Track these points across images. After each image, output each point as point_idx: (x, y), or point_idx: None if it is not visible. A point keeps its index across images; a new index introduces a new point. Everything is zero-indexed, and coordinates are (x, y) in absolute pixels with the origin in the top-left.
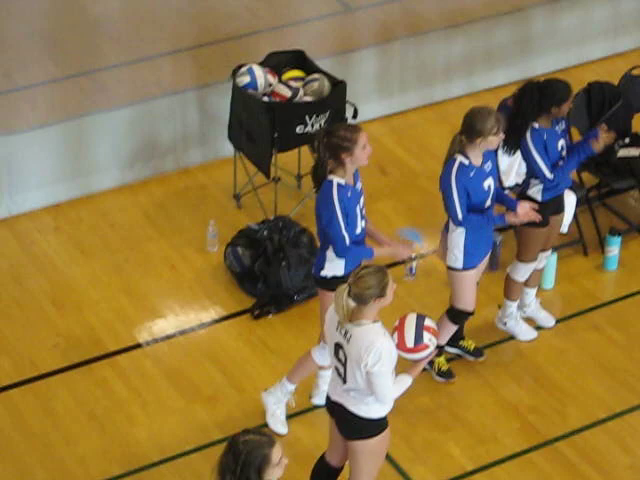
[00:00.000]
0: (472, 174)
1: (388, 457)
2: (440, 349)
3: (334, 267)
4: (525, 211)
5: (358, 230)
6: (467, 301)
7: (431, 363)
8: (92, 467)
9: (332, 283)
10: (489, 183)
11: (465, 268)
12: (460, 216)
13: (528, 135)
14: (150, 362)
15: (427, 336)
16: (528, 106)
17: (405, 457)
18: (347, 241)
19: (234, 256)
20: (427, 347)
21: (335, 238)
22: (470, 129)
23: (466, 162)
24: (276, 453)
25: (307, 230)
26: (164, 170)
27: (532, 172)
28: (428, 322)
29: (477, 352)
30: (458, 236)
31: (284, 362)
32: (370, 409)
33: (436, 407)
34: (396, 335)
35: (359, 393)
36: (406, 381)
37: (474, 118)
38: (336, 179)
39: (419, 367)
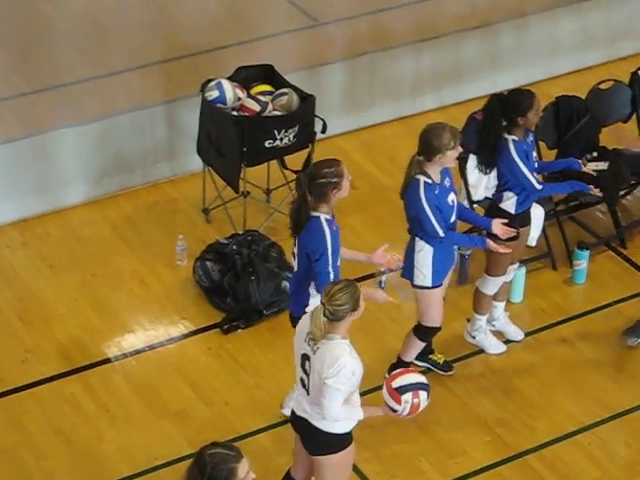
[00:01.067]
0: (437, 192)
1: (357, 471)
2: (407, 365)
3: (318, 302)
4: (503, 231)
5: (338, 262)
6: (435, 318)
7: None
8: None
9: None
10: (452, 198)
11: (434, 286)
12: (442, 232)
13: (511, 148)
14: (119, 377)
15: (407, 398)
16: (495, 121)
17: (374, 471)
18: (331, 277)
19: (203, 270)
20: (398, 403)
21: (321, 274)
22: (427, 147)
23: (429, 181)
24: (242, 468)
25: (276, 244)
26: (133, 185)
27: (514, 184)
28: (423, 394)
29: (446, 366)
30: (425, 255)
31: (253, 377)
32: (334, 424)
33: (405, 421)
34: (398, 371)
35: (321, 407)
36: (357, 413)
37: (430, 136)
38: (322, 215)
39: (377, 411)
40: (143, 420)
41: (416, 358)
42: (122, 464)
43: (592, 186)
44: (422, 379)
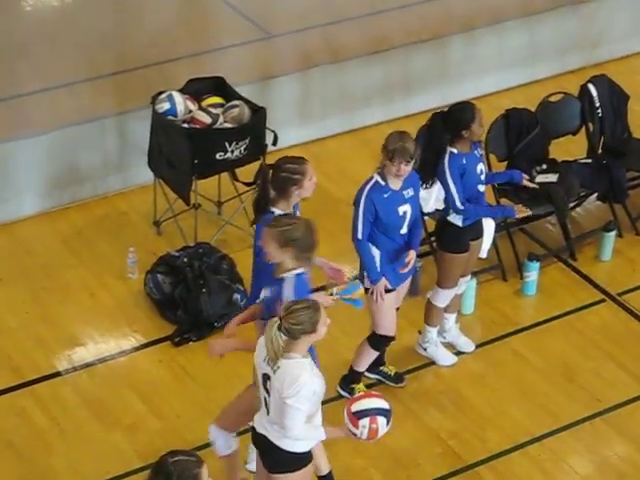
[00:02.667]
0: (386, 195)
1: None
2: (359, 375)
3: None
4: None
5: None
6: (387, 326)
7: (351, 390)
8: None
9: None
10: (405, 209)
11: (375, 278)
12: (360, 235)
13: (446, 160)
14: (69, 390)
15: (365, 423)
16: (437, 137)
17: None
18: None
19: (154, 283)
20: (356, 427)
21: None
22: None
23: (382, 182)
24: (204, 473)
25: (227, 257)
26: (83, 197)
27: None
28: (382, 420)
29: (398, 378)
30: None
31: (204, 389)
32: (294, 443)
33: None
34: (360, 394)
35: (282, 426)
36: (319, 433)
37: (389, 140)
38: (277, 211)
39: (338, 432)
40: (93, 433)
41: (367, 370)
42: (72, 477)
43: (520, 205)
44: (383, 404)
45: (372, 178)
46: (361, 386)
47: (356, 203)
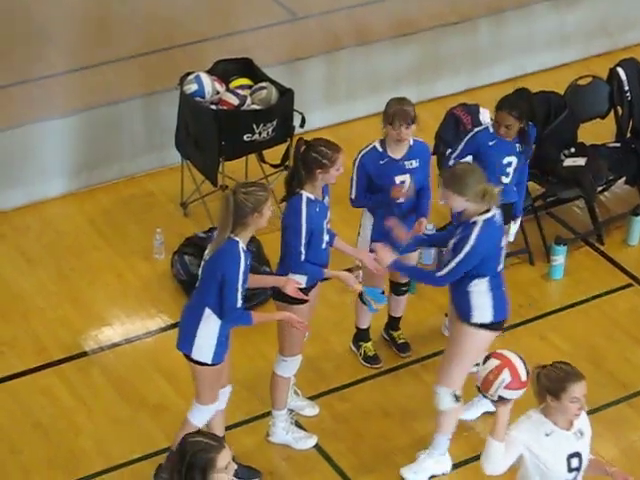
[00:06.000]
0: (382, 162)
1: (334, 466)
2: (362, 331)
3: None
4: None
5: (323, 245)
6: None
7: (359, 347)
8: (36, 476)
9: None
10: (404, 179)
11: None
12: (303, 257)
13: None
14: (96, 370)
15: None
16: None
17: (351, 466)
18: (302, 257)
19: (181, 264)
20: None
21: (293, 251)
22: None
23: (379, 149)
24: (223, 459)
25: (254, 238)
26: (111, 178)
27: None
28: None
29: (403, 346)
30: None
31: (229, 369)
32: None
33: (383, 416)
34: (508, 372)
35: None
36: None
37: (389, 104)
38: (305, 193)
39: (502, 418)
40: (120, 413)
41: (384, 330)
42: (99, 457)
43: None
44: (511, 353)
45: (301, 195)
46: (369, 345)
47: (292, 224)
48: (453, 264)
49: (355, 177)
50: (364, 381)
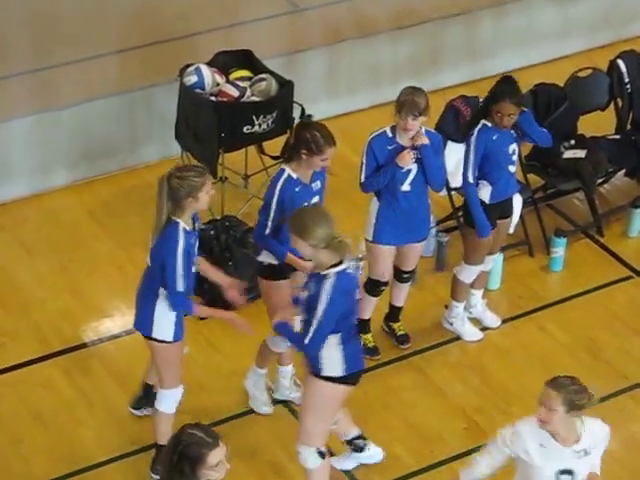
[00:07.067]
0: (390, 148)
1: (334, 456)
2: (364, 322)
3: (268, 255)
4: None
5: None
6: (377, 272)
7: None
8: (36, 467)
9: (267, 271)
10: (410, 168)
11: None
12: (268, 231)
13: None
14: (96, 362)
15: None
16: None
17: None
18: (266, 231)
19: None
20: None
21: (259, 223)
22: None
23: (389, 134)
24: (215, 456)
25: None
26: (111, 170)
27: (490, 173)
28: None
29: (402, 338)
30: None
31: (230, 362)
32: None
33: (382, 407)
34: None
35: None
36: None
37: (401, 92)
38: (288, 170)
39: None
40: (119, 405)
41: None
42: (99, 449)
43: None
44: None
45: (382, 128)
46: (368, 336)
47: (267, 200)
48: (313, 328)
49: (364, 160)
50: (363, 372)
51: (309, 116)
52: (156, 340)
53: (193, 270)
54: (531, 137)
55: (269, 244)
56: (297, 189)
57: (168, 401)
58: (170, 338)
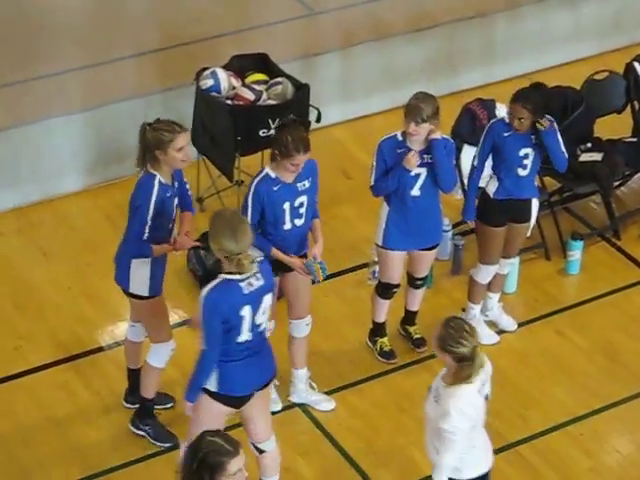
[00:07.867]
0: (399, 151)
1: (350, 461)
2: (379, 326)
3: (255, 250)
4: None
5: (285, 226)
6: (390, 275)
7: (374, 343)
8: (52, 470)
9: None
10: (420, 172)
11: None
12: (372, 181)
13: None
14: (112, 365)
15: None
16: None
17: (367, 461)
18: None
19: (197, 259)
20: None
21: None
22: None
23: (399, 138)
24: (234, 464)
25: None
26: (126, 174)
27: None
28: None
29: (418, 342)
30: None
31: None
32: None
33: (399, 411)
34: None
35: None
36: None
37: (411, 97)
38: (267, 169)
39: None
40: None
41: (400, 324)
42: (115, 453)
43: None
44: None
45: (394, 132)
46: (385, 340)
47: (245, 196)
48: (205, 337)
49: (374, 163)
50: (380, 376)
51: (292, 118)
52: (133, 295)
53: (170, 227)
54: (547, 153)
55: (254, 240)
56: (275, 188)
57: (158, 355)
58: (146, 293)
